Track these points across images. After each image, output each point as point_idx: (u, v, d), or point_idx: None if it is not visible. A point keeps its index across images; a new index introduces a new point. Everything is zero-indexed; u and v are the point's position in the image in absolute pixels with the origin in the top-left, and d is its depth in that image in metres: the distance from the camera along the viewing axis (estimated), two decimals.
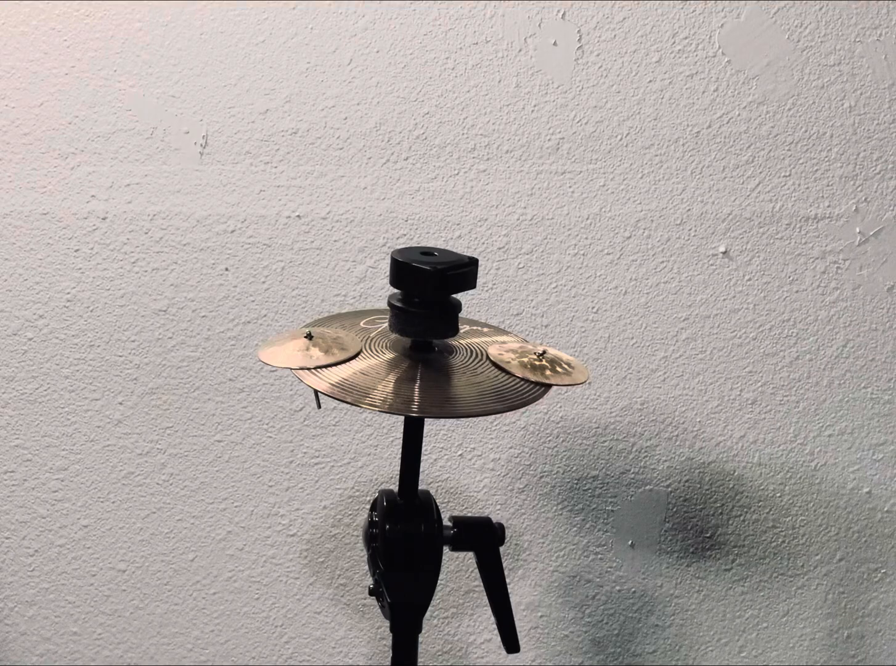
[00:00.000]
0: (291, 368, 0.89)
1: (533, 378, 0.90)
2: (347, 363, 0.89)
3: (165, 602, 1.43)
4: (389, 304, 0.91)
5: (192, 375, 1.35)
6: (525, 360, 0.93)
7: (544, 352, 0.94)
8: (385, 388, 0.86)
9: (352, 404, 0.84)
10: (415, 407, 0.85)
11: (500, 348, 0.95)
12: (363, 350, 0.91)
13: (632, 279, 1.38)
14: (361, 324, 0.97)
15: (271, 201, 1.31)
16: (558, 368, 0.93)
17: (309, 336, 0.91)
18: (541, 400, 0.90)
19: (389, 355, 0.91)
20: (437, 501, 0.99)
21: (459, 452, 1.41)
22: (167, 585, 1.42)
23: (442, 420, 1.37)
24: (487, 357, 0.93)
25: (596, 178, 1.34)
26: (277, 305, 1.34)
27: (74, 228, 1.29)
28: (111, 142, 1.27)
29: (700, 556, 1.49)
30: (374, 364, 0.89)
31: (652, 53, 1.32)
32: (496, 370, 0.91)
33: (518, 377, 0.90)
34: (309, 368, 0.88)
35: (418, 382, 0.87)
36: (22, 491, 1.38)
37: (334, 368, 0.88)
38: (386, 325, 0.94)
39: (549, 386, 0.90)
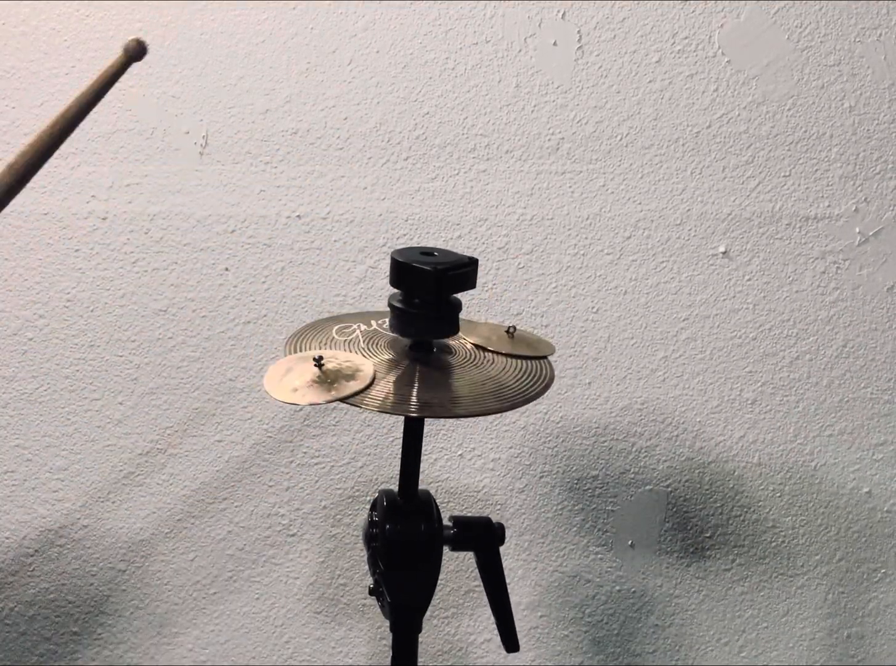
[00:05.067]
0: (315, 404, 0.82)
1: (505, 351, 0.95)
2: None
3: (165, 602, 1.43)
4: (389, 304, 0.91)
5: (192, 375, 1.35)
6: (496, 337, 0.98)
7: (513, 328, 0.99)
8: (384, 388, 0.86)
9: (351, 405, 0.84)
10: (414, 407, 0.85)
11: (475, 333, 0.99)
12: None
13: (632, 279, 1.38)
14: (334, 332, 0.95)
15: (271, 201, 1.31)
16: (526, 344, 0.98)
17: (319, 364, 0.84)
18: (540, 399, 0.90)
19: (388, 355, 0.91)
20: (437, 501, 0.99)
21: (459, 452, 1.41)
22: (167, 585, 1.42)
23: (442, 420, 1.37)
24: (471, 344, 0.96)
25: (596, 178, 1.34)
26: (277, 305, 1.34)
27: (74, 228, 1.29)
28: (111, 142, 1.27)
29: (700, 556, 1.49)
30: (373, 364, 0.89)
31: (652, 53, 1.32)
32: (488, 362, 0.93)
33: (491, 351, 0.95)
34: (333, 401, 0.81)
35: (417, 382, 0.87)
36: (22, 491, 1.38)
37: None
38: (357, 330, 0.94)
39: (518, 357, 0.94)
